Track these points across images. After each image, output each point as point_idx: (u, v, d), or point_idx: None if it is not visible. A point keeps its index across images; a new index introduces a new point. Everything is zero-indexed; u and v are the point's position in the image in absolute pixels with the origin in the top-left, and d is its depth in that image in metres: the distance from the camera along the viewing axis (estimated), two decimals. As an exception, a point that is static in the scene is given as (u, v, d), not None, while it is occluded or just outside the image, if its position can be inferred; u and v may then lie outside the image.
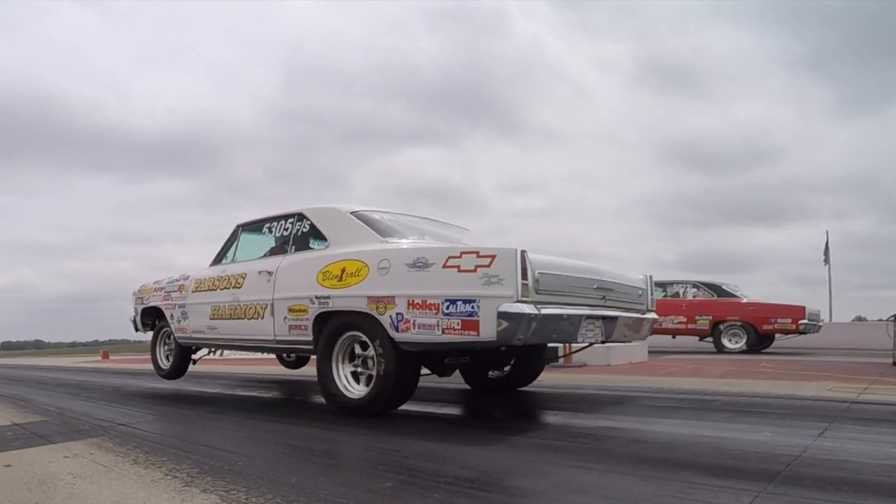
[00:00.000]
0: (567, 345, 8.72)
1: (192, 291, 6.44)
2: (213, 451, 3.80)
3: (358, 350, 4.67)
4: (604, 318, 4.59)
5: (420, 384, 4.70)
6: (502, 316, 3.69)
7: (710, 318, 13.38)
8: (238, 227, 6.34)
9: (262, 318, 5.32)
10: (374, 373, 4.45)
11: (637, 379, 7.49)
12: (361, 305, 4.41)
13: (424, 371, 4.85)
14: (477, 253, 3.90)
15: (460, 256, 3.95)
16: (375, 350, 4.40)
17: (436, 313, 3.96)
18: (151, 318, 7.49)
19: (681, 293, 14.09)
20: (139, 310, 7.54)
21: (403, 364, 4.31)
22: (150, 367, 7.96)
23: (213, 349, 7.04)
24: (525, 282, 3.76)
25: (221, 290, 5.93)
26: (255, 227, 6.09)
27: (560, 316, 4.05)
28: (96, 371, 15.09)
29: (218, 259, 6.44)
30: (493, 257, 3.82)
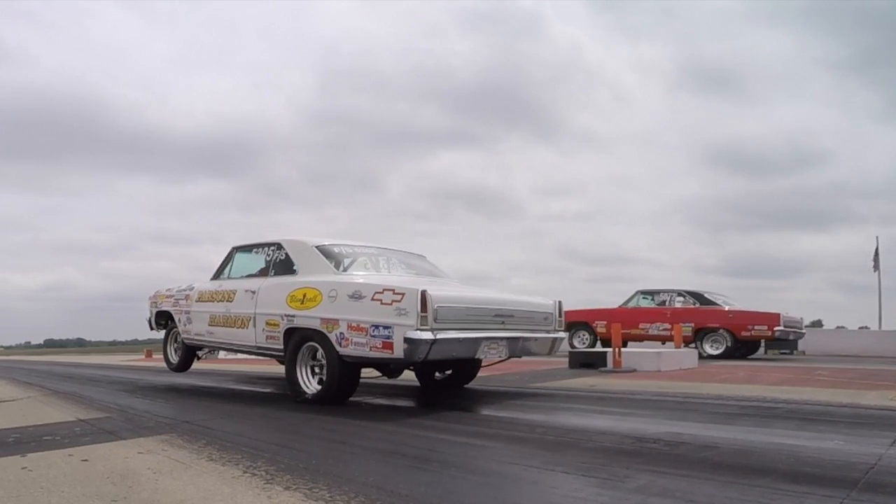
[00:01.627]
0: (616, 352, 9.58)
1: (196, 301, 7.55)
2: (284, 448, 3.88)
3: (314, 357, 5.85)
4: (507, 338, 5.79)
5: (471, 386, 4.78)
6: (406, 340, 4.89)
7: (693, 325, 13.94)
8: (233, 249, 7.52)
9: (247, 327, 6.52)
10: (324, 376, 5.70)
11: (692, 385, 7.40)
12: (316, 324, 5.60)
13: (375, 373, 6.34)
14: (393, 290, 5.11)
15: (383, 292, 5.16)
16: (326, 359, 5.61)
17: (365, 335, 5.17)
18: (164, 319, 8.48)
19: (667, 301, 14.73)
20: (154, 312, 8.64)
21: (345, 371, 5.54)
22: (196, 366, 8.85)
23: (210, 349, 8.35)
24: (424, 314, 4.93)
25: (217, 302, 7.10)
26: (245, 249, 7.33)
27: (456, 339, 5.25)
28: (144, 369, 15.43)
29: (217, 275, 7.54)
30: (403, 294, 5.04)
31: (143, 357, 28.97)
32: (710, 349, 13.91)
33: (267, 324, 6.26)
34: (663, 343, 14.43)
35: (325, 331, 5.51)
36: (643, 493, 2.73)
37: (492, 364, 7.14)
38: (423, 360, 5.10)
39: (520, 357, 6.37)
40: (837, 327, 26.74)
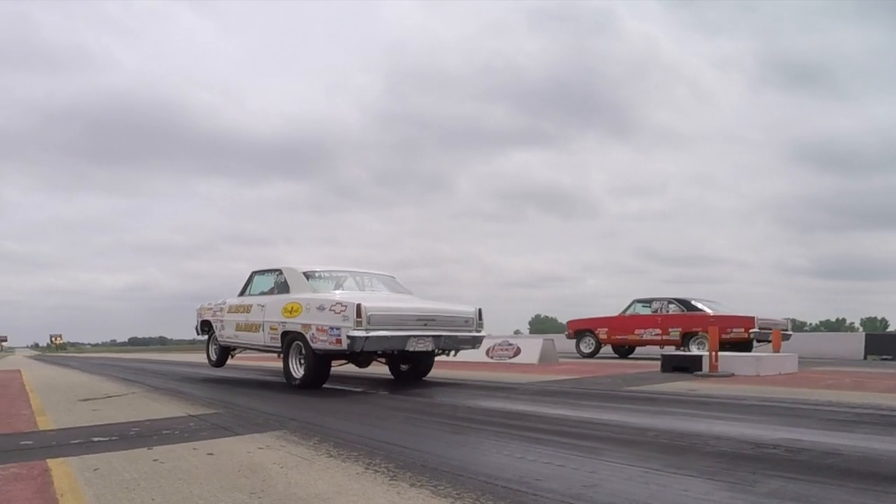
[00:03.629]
0: (713, 356, 9.55)
1: (227, 312, 10.05)
2: (396, 447, 4.01)
3: (300, 353, 8.28)
4: (432, 336, 7.99)
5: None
6: (349, 337, 7.23)
7: (681, 329, 15.47)
8: (252, 273, 9.99)
9: (259, 332, 9.05)
10: (304, 365, 8.18)
11: (799, 391, 7.20)
12: (298, 328, 8.07)
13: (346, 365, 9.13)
14: (341, 303, 7.52)
15: (335, 305, 7.57)
16: (305, 353, 8.10)
17: (326, 334, 7.57)
18: (206, 327, 10.95)
19: (660, 309, 16.25)
20: (199, 321, 11.21)
21: (317, 361, 8.03)
22: (278, 365, 10.60)
23: (236, 349, 10.69)
24: (359, 319, 7.25)
25: (240, 313, 9.64)
26: (261, 273, 9.81)
27: (385, 336, 7.50)
28: (232, 367, 16.03)
29: (241, 292, 10.01)
30: (346, 306, 7.41)
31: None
32: (696, 350, 14.66)
33: (270, 328, 8.73)
34: (662, 347, 15.93)
35: (303, 332, 7.96)
36: (776, 497, 2.72)
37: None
38: (361, 350, 7.44)
39: (446, 351, 8.58)
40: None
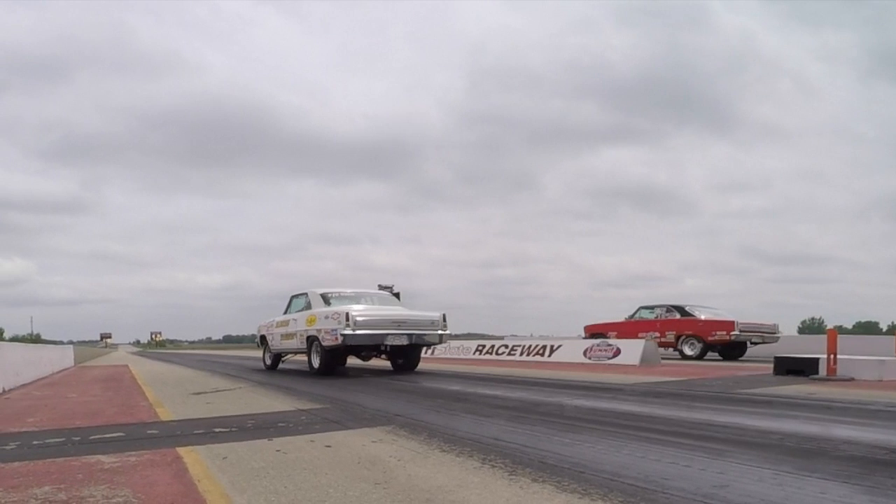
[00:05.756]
0: (831, 358, 9.24)
1: (275, 327, 13.91)
2: (509, 444, 4.07)
3: (316, 351, 11.61)
4: (406, 334, 11.12)
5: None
6: (342, 335, 10.54)
7: (674, 332, 17.82)
8: (291, 296, 13.62)
9: (294, 339, 12.66)
10: (319, 359, 11.49)
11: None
12: (314, 333, 11.49)
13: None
14: (337, 313, 10.83)
15: (335, 314, 10.88)
16: (319, 349, 11.38)
17: (330, 334, 10.89)
18: (263, 339, 14.91)
19: (659, 314, 18.49)
20: (259, 336, 15.28)
21: (326, 355, 11.28)
22: (386, 363, 13.26)
23: (285, 355, 14.35)
24: (348, 323, 10.52)
25: (283, 327, 13.37)
26: (296, 296, 13.39)
27: (367, 334, 10.67)
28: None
29: (285, 311, 13.68)
30: (339, 314, 10.74)
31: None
32: (687, 351, 17.62)
33: (300, 335, 12.29)
34: (665, 349, 17.91)
35: (317, 335, 11.44)
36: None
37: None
38: (351, 344, 10.81)
39: (418, 344, 11.90)
40: None
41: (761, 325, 17.70)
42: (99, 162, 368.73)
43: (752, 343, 17.20)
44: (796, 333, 52.81)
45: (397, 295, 31.42)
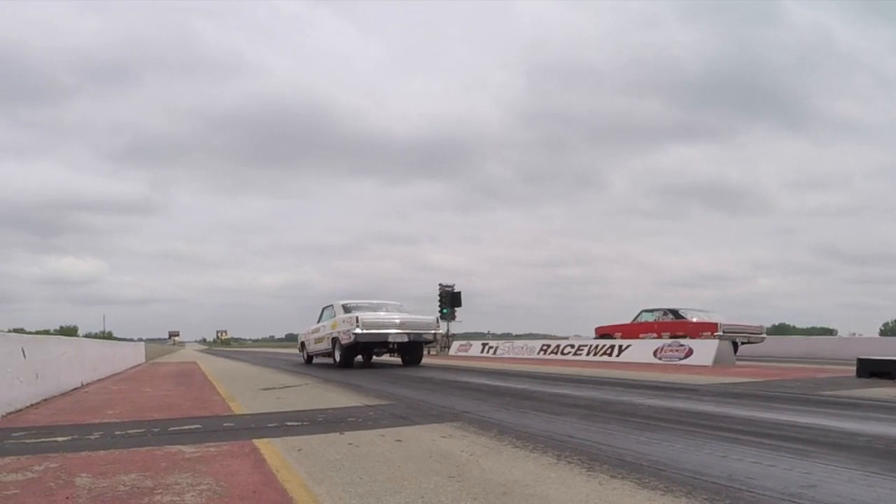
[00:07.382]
0: None
1: (309, 334, 17.62)
2: (584, 441, 4.05)
3: (338, 348, 15.03)
4: (406, 333, 14.36)
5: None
6: (353, 334, 13.99)
7: (669, 333, 18.74)
8: (322, 308, 16.92)
9: (323, 343, 16.01)
10: (339, 355, 14.99)
11: None
12: (336, 334, 14.95)
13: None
14: (351, 317, 14.30)
15: (350, 319, 14.29)
16: (339, 347, 14.84)
17: (346, 334, 14.28)
18: (302, 345, 18.85)
19: (658, 317, 19.88)
20: (300, 342, 19.27)
21: (345, 351, 14.65)
22: (452, 362, 16.11)
23: (317, 356, 17.35)
24: (358, 325, 13.96)
25: (315, 333, 16.99)
26: (326, 307, 16.62)
27: (373, 333, 14.04)
28: (379, 362, 16.75)
29: (318, 320, 17.06)
30: (353, 319, 14.18)
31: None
32: None
33: (327, 338, 15.46)
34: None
35: (339, 337, 14.59)
36: None
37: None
38: (362, 343, 13.98)
39: (417, 342, 14.92)
40: None
41: (746, 326, 19.36)
42: (167, 163, 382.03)
43: (740, 343, 18.18)
44: (878, 335, 50.75)
45: (458, 295, 31.78)
